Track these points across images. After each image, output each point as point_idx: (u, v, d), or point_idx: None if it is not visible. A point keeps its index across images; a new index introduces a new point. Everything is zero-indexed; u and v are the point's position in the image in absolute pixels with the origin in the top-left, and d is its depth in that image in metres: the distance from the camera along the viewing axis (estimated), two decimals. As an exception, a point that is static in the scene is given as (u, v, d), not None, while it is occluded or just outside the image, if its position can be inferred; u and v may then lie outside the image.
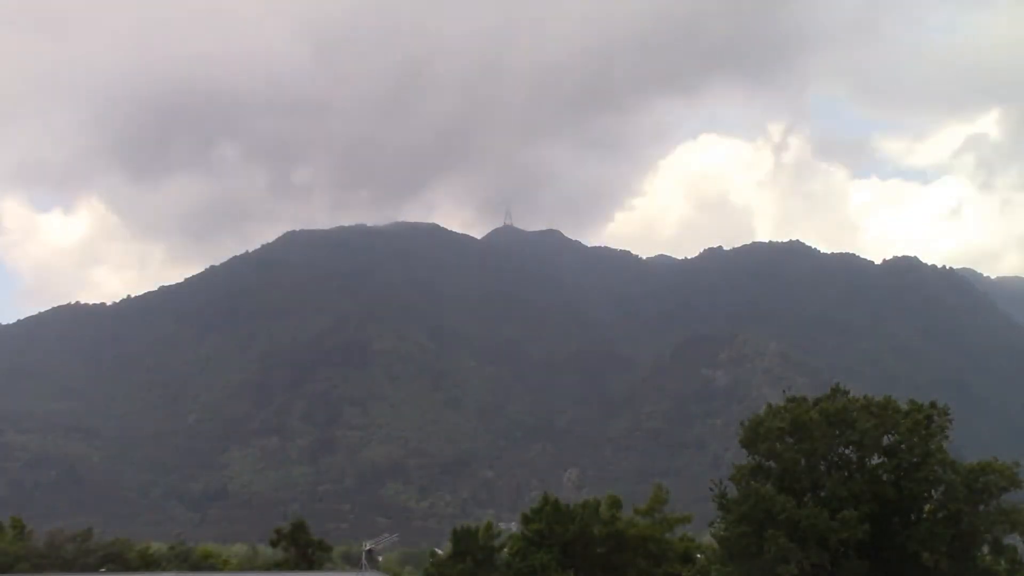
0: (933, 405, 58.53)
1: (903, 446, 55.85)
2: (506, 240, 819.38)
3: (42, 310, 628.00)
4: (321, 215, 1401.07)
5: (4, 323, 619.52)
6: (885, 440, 57.20)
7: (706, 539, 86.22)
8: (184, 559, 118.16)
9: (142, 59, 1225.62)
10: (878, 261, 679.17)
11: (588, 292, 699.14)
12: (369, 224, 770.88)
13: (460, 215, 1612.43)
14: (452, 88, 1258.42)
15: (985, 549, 59.51)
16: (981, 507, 55.03)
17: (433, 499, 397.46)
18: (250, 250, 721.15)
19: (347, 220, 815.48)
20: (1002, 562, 63.87)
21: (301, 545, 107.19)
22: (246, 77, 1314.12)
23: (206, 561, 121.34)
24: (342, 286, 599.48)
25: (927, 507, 54.31)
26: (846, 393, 61.34)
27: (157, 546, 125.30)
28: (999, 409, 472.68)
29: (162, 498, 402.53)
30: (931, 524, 53.12)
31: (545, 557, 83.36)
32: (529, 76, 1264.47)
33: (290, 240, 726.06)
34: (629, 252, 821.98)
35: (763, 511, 55.47)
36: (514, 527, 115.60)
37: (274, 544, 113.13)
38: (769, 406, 62.64)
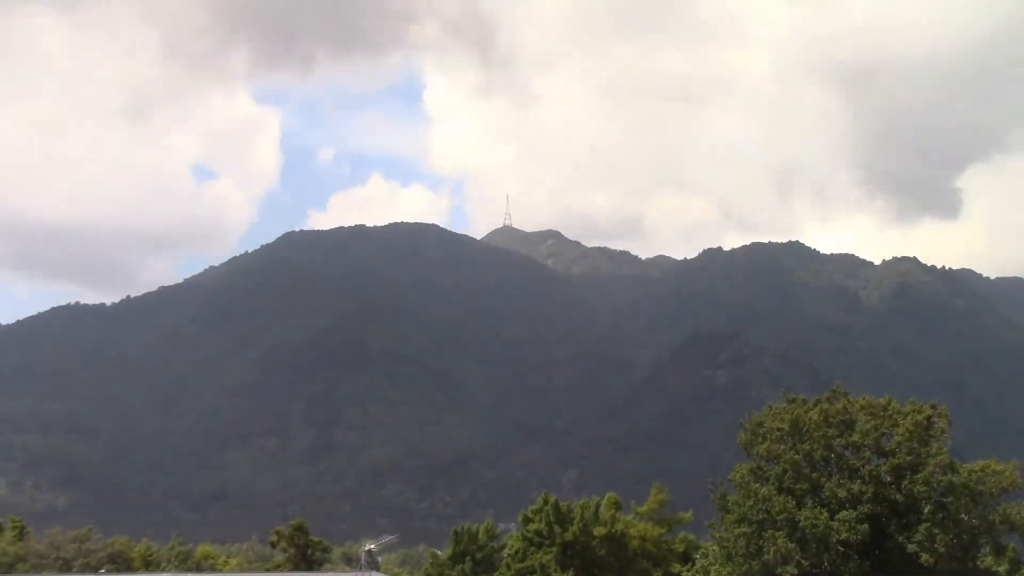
0: (933, 406, 58.41)
1: (903, 447, 55.80)
2: (506, 240, 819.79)
3: (42, 310, 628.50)
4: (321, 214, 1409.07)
5: (4, 323, 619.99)
6: (885, 441, 57.15)
7: (706, 540, 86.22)
8: (184, 559, 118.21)
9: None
10: (878, 261, 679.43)
11: (588, 292, 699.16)
12: (369, 224, 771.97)
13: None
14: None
15: (985, 550, 59.51)
16: (981, 508, 54.99)
17: (433, 499, 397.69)
18: (250, 250, 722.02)
19: (347, 220, 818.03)
20: (1003, 563, 63.90)
21: (301, 546, 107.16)
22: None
23: (206, 561, 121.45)
24: (342, 286, 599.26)
25: (927, 508, 54.22)
26: (846, 394, 61.23)
27: (157, 546, 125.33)
28: (999, 409, 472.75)
29: (162, 498, 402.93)
30: (931, 525, 53.04)
31: (545, 557, 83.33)
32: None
33: (290, 240, 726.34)
34: (629, 252, 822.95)
35: (763, 512, 55.45)
36: (514, 527, 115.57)
37: (274, 545, 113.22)
38: (769, 407, 62.52)
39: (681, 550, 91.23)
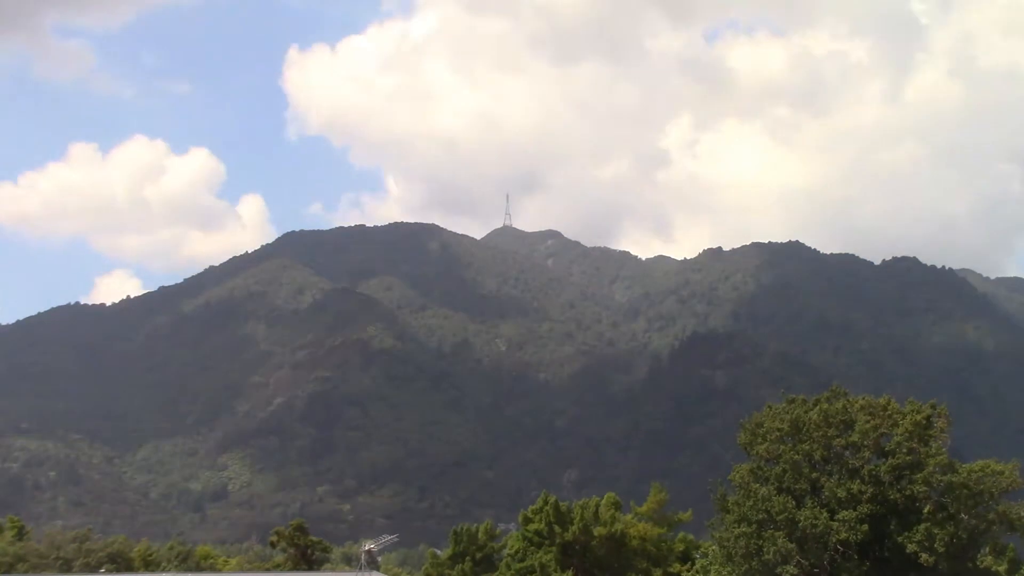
0: (933, 406, 58.45)
1: (902, 447, 55.82)
2: (506, 240, 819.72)
3: (42, 310, 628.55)
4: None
5: (4, 323, 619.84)
6: (884, 441, 57.17)
7: (706, 540, 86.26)
8: (184, 559, 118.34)
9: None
10: (878, 261, 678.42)
11: (588, 292, 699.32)
12: (369, 224, 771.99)
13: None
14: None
15: (985, 550, 59.55)
16: (980, 508, 55.01)
17: (433, 499, 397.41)
18: (250, 250, 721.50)
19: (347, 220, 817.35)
20: (1003, 563, 63.94)
21: (301, 546, 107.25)
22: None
23: (206, 561, 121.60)
24: (342, 286, 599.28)
25: (926, 508, 54.24)
26: (845, 394, 61.27)
27: (157, 546, 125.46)
28: (999, 409, 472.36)
29: (162, 498, 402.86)
30: (930, 525, 53.06)
31: (545, 557, 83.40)
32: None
33: (290, 240, 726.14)
34: (628, 252, 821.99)
35: (763, 512, 55.51)
36: (514, 527, 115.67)
37: (274, 545, 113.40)
38: (768, 407, 62.58)
39: (681, 550, 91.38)
